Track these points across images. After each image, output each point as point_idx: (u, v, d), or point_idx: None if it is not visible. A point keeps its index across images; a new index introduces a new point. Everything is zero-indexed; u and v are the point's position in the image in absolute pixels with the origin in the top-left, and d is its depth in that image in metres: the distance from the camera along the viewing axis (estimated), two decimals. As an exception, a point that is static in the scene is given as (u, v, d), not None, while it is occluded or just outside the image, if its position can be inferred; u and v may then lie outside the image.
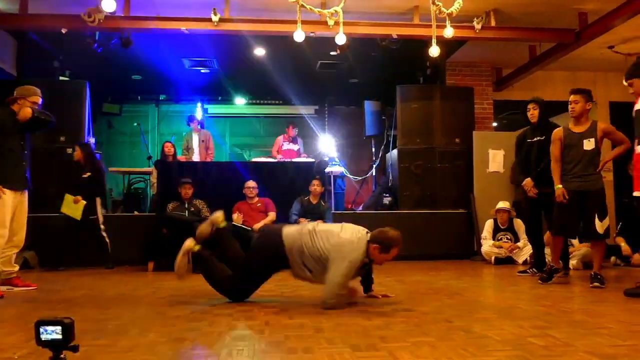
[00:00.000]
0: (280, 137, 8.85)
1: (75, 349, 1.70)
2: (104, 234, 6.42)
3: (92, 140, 7.71)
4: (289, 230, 3.65)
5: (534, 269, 5.39)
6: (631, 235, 6.42)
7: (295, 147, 8.68)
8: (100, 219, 6.45)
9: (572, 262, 5.99)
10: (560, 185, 4.63)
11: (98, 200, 6.45)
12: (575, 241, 6.34)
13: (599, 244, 4.55)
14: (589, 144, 4.53)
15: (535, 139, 5.37)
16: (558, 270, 4.75)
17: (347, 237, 3.47)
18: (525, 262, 6.26)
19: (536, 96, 5.60)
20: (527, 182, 5.33)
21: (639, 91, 4.01)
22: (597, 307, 3.39)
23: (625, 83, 4.12)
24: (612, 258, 6.51)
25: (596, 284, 4.36)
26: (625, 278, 5.24)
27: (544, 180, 5.15)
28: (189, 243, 3.84)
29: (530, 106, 5.41)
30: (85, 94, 7.46)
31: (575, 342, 2.37)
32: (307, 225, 3.73)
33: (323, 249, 3.43)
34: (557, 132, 4.74)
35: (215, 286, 3.79)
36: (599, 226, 4.40)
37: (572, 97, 4.62)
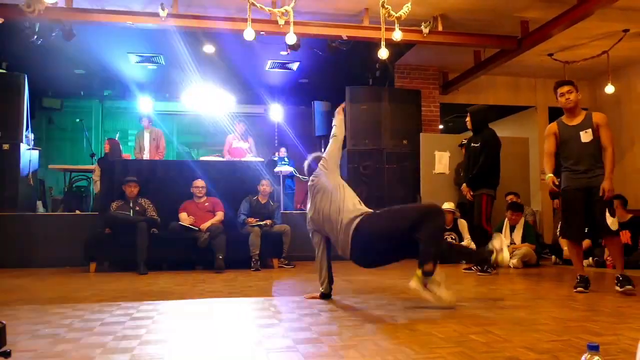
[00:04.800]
0: (231, 136, 8.74)
1: (6, 354, 1.63)
2: None
3: (30, 135, 7.39)
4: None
5: (477, 266, 5.61)
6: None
7: (245, 145, 8.60)
8: None
9: (513, 261, 6.22)
10: (551, 174, 4.36)
11: None
12: (517, 240, 6.56)
13: (614, 241, 4.19)
14: (586, 136, 4.21)
15: (473, 145, 5.79)
16: (587, 279, 4.20)
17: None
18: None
19: (475, 105, 6.02)
20: (463, 187, 5.82)
21: None
22: (535, 304, 3.52)
23: None
24: (553, 257, 6.81)
25: (627, 287, 3.91)
26: (564, 276, 5.49)
27: (475, 184, 5.63)
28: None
29: (467, 115, 5.88)
30: (23, 88, 7.15)
31: (514, 338, 2.45)
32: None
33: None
34: (551, 127, 4.45)
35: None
36: (611, 221, 4.06)
37: (564, 89, 4.30)
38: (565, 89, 4.29)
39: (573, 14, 6.03)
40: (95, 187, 7.81)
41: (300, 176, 9.95)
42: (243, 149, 8.52)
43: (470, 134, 6.13)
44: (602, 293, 3.94)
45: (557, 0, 6.11)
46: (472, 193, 5.68)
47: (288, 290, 4.50)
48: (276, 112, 10.61)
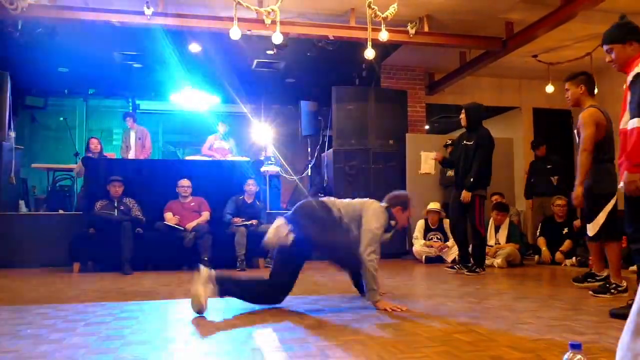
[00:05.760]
0: (212, 136, 8.71)
1: (-12, 356, 1.60)
2: None
3: (12, 134, 7.28)
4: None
5: (460, 265, 5.65)
6: (550, 234, 6.76)
7: (226, 145, 8.58)
8: None
9: (497, 261, 6.27)
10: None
11: None
12: (502, 240, 6.61)
13: (608, 246, 3.92)
14: (576, 136, 4.01)
15: (465, 143, 5.65)
16: (608, 278, 4.01)
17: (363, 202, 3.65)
18: (453, 261, 6.48)
19: (470, 102, 5.94)
20: (465, 195, 5.46)
21: (621, 60, 3.18)
22: (519, 303, 3.56)
23: (604, 48, 3.26)
24: (536, 257, 6.88)
25: (597, 294, 3.82)
26: (547, 276, 5.55)
27: (471, 186, 5.46)
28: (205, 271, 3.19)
29: (462, 112, 5.70)
30: (5, 86, 7.04)
31: (499, 337, 2.47)
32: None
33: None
34: None
35: (247, 295, 3.36)
36: (588, 227, 3.94)
37: (565, 87, 4.15)
38: (565, 87, 4.14)
39: (557, 16, 6.10)
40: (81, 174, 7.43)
41: (286, 176, 9.93)
42: (225, 148, 8.50)
43: (456, 134, 6.13)
44: (585, 292, 3.98)
45: (541, 2, 6.18)
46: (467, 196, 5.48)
47: (274, 290, 4.48)
48: (262, 112, 10.57)
